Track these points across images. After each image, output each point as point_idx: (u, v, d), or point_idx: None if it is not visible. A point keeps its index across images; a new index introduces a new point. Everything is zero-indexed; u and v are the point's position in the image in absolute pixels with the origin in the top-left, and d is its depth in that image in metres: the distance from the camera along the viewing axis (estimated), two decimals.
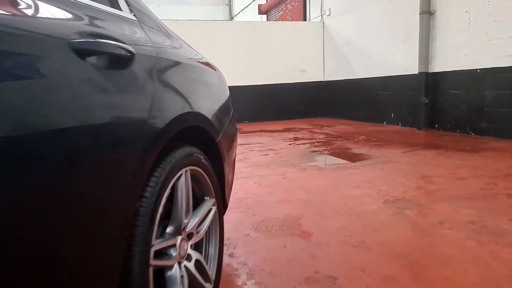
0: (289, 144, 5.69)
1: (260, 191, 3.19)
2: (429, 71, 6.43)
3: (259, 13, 14.19)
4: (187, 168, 1.23)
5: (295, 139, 6.24)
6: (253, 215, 2.58)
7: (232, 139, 1.79)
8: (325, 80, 10.02)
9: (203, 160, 1.34)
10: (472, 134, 5.74)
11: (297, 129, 7.71)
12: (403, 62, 7.06)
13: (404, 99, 7.12)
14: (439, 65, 6.29)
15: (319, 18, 9.97)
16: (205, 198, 1.43)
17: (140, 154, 0.92)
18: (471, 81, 5.73)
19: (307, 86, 9.93)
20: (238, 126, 8.74)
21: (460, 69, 5.89)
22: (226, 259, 1.92)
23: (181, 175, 1.18)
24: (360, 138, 6.00)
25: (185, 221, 1.23)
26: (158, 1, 17.47)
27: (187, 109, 1.21)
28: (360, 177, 3.51)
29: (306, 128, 7.72)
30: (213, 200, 1.45)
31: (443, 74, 6.23)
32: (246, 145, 5.74)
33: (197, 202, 1.41)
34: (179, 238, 1.20)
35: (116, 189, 0.85)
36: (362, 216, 2.48)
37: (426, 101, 6.44)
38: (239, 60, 9.40)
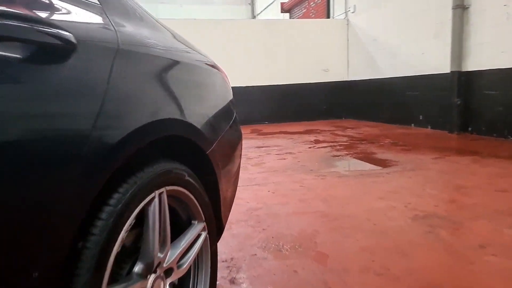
0: (309, 147, 5.39)
1: (274, 200, 2.92)
2: (462, 70, 5.96)
3: (281, 12, 13.89)
4: (163, 189, 0.98)
5: (316, 141, 5.92)
6: (263, 230, 2.31)
7: (232, 149, 1.53)
8: (349, 79, 9.61)
9: (187, 178, 1.09)
10: (511, 138, 5.25)
11: (318, 131, 7.37)
12: (433, 61, 6.60)
13: (434, 100, 6.66)
14: (473, 64, 5.82)
15: (343, 15, 9.58)
16: (192, 222, 1.18)
17: (78, 178, 0.67)
18: (509, 80, 5.25)
19: (330, 86, 9.56)
20: (257, 127, 8.54)
21: (497, 67, 5.41)
22: (226, 287, 1.66)
23: (152, 198, 0.93)
24: (386, 141, 5.62)
25: (161, 255, 0.98)
26: (181, 1, 17.49)
27: (162, 116, 0.96)
28: (385, 186, 3.17)
29: (328, 130, 7.37)
30: (202, 225, 1.19)
31: (477, 73, 5.75)
32: (263, 148, 5.48)
33: (183, 226, 1.16)
34: (152, 277, 0.95)
35: (35, 228, 0.60)
36: (387, 235, 2.17)
37: (459, 102, 5.97)
38: (259, 59, 9.15)
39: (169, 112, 1.00)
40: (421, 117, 7.04)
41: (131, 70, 0.89)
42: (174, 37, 1.33)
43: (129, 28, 1.00)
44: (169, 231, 1.01)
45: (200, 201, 1.17)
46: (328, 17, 10.43)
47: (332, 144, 5.60)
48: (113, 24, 0.91)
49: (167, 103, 1.00)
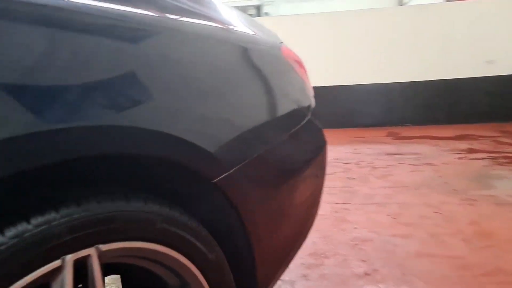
0: (458, 158, 4.25)
1: (392, 230, 2.20)
2: None
3: None
4: (90, 250, 0.54)
5: (470, 151, 4.68)
6: (366, 276, 1.68)
7: (293, 168, 1.00)
8: None
9: (161, 225, 0.63)
10: None
11: (475, 137, 5.92)
12: None
13: None
14: None
15: None
16: None
17: None
18: None
19: (495, 81, 7.71)
20: (395, 129, 7.44)
21: None
22: None
23: (56, 270, 0.51)
24: None
25: None
26: None
27: (88, 122, 0.52)
28: None
29: (489, 136, 5.84)
30: None
31: None
32: (396, 155, 4.58)
33: None
34: None
35: None
36: None
37: None
38: (404, 51, 8.01)
39: (120, 112, 0.56)
40: None
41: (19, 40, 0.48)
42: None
43: None
44: None
45: (198, 259, 0.70)
46: None
47: (492, 155, 4.31)
48: None
49: (106, 98, 0.56)
